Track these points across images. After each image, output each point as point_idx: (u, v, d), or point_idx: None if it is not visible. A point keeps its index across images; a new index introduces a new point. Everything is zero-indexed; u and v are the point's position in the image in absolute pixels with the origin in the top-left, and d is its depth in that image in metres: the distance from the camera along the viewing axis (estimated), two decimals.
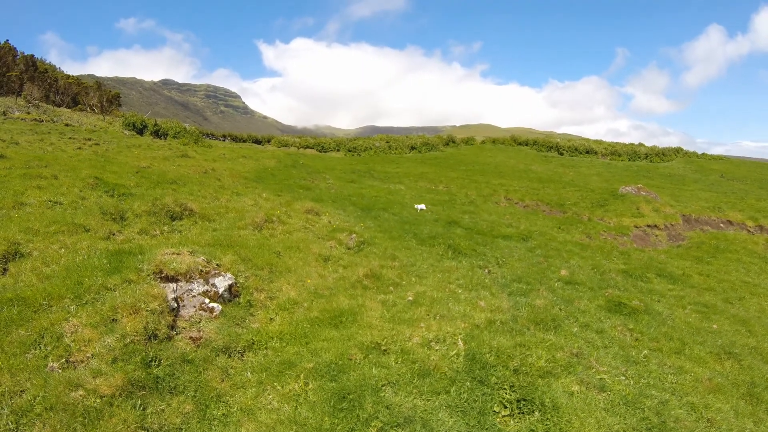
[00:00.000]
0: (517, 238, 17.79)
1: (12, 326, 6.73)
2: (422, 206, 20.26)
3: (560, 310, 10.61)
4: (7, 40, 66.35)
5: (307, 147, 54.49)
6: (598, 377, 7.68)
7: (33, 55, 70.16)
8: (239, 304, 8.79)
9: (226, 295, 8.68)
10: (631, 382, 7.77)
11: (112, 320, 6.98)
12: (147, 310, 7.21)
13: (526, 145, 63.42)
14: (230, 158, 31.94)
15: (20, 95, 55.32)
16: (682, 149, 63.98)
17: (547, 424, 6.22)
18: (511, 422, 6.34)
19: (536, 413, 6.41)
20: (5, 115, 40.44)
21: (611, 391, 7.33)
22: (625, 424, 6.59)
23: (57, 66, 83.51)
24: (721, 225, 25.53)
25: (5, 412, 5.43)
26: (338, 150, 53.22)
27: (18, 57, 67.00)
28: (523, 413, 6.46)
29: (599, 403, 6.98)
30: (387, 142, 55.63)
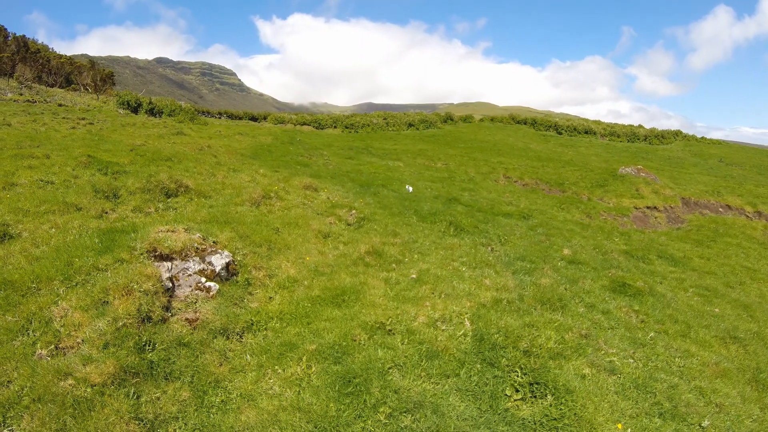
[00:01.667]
0: (517, 216, 17.65)
1: None
2: (410, 188, 19.85)
3: (565, 289, 10.43)
4: None
5: (304, 124, 54.04)
6: (608, 359, 7.54)
7: (24, 36, 69.26)
8: (237, 282, 8.50)
9: (223, 273, 8.37)
10: (640, 365, 7.64)
11: (104, 302, 6.68)
12: (140, 291, 6.90)
13: (525, 123, 63.14)
14: (226, 135, 31.59)
15: (12, 77, 54.88)
16: (681, 132, 63.74)
17: (561, 409, 6.00)
18: (524, 407, 6.13)
19: (549, 397, 6.19)
20: None
21: (621, 374, 7.20)
22: (638, 408, 6.46)
23: (49, 46, 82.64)
24: (720, 209, 25.62)
25: None
26: (335, 127, 52.83)
27: (9, 38, 66.09)
28: (535, 397, 6.25)
29: (610, 386, 6.84)
30: (384, 119, 55.27)
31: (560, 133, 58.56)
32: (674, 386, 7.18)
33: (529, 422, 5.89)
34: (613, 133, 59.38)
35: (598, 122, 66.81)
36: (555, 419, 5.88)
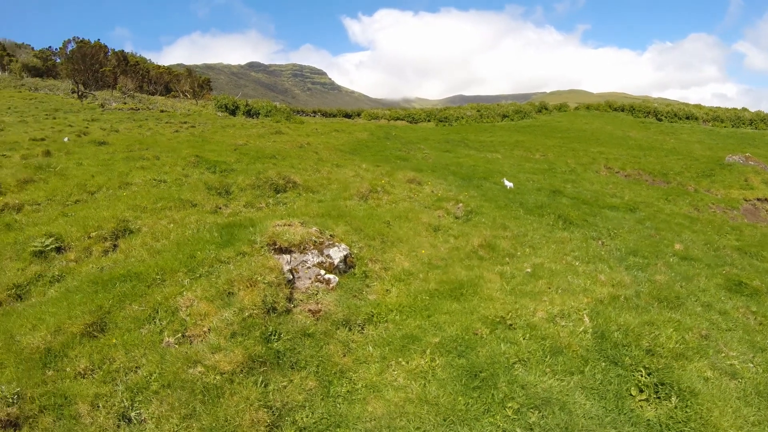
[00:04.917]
0: (623, 209, 17.15)
1: (125, 301, 6.86)
2: (510, 184, 19.21)
3: (681, 287, 10.01)
4: (98, 39, 70.76)
5: (398, 119, 54.38)
6: (729, 363, 7.19)
7: (123, 51, 75.30)
8: (354, 275, 8.71)
9: (341, 266, 8.60)
10: (760, 371, 7.18)
11: (228, 293, 6.99)
12: (264, 283, 7.19)
13: (622, 110, 61.05)
14: (323, 132, 32.21)
15: (115, 88, 58.98)
16: None
17: (687, 411, 5.80)
18: (649, 408, 5.97)
19: (674, 398, 5.99)
20: (103, 107, 43.28)
21: (743, 379, 6.84)
22: (760, 415, 6.12)
23: (147, 58, 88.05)
24: None
25: (120, 389, 5.47)
26: (429, 120, 52.87)
27: (109, 54, 71.54)
28: (660, 398, 6.07)
29: (732, 391, 6.51)
30: (478, 110, 54.91)
31: (660, 120, 56.34)
32: None
33: (655, 423, 5.74)
34: (716, 117, 56.47)
35: (699, 106, 63.70)
36: (681, 422, 5.69)
